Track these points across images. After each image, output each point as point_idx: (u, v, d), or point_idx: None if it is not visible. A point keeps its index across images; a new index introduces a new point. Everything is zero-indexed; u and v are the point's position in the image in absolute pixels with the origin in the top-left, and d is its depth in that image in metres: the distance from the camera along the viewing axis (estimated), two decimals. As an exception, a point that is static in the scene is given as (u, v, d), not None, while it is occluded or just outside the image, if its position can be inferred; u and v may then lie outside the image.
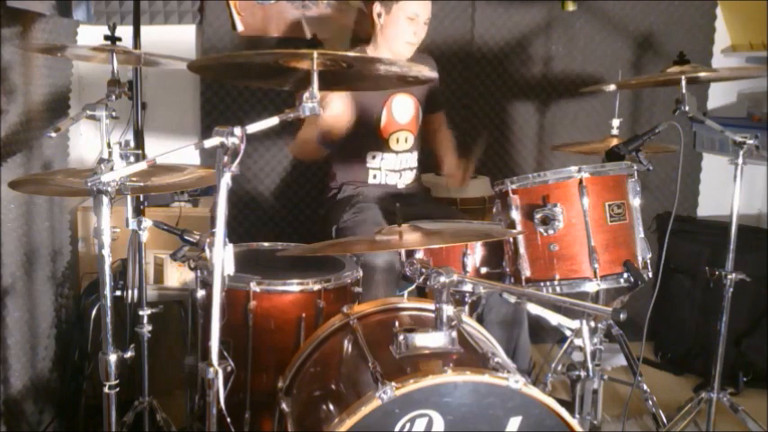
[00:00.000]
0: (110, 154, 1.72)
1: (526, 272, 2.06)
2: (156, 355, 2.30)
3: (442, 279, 1.60)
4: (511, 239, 2.09)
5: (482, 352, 1.63)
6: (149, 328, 2.18)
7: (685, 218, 3.61)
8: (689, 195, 3.73)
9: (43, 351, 2.48)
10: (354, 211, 2.61)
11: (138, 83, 2.20)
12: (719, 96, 3.69)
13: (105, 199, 1.47)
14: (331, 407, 1.59)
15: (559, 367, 2.57)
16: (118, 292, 2.19)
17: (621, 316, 1.49)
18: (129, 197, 1.87)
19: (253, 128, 1.37)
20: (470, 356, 1.62)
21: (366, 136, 2.68)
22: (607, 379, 2.57)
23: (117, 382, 1.58)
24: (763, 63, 3.47)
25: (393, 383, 1.41)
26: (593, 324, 2.20)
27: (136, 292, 2.22)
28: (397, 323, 1.71)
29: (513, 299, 2.30)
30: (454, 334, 1.61)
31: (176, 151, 1.41)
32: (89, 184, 1.44)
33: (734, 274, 2.30)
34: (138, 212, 2.18)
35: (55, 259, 2.61)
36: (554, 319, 2.34)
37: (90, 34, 2.86)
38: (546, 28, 3.42)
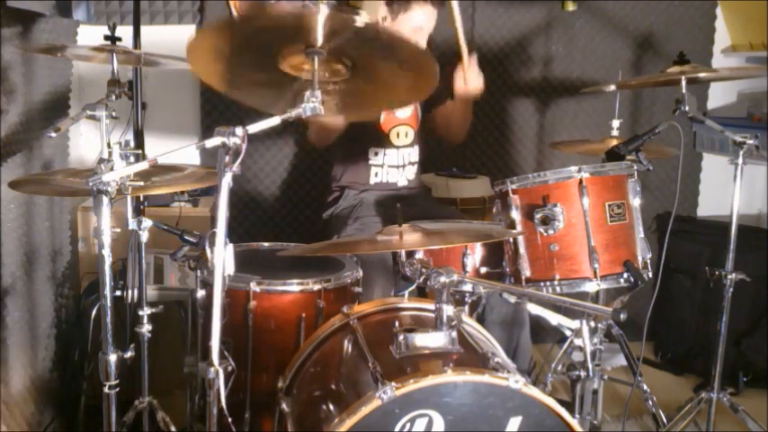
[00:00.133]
0: (110, 154, 1.72)
1: (526, 272, 2.06)
2: (156, 355, 2.29)
3: (442, 279, 1.60)
4: (511, 239, 2.09)
5: (482, 352, 1.63)
6: (149, 328, 2.18)
7: (685, 218, 3.61)
8: (689, 195, 3.73)
9: (43, 351, 2.48)
10: (357, 226, 2.61)
11: (138, 83, 2.20)
12: (719, 96, 3.69)
13: (105, 199, 1.47)
14: (331, 407, 1.59)
15: (559, 367, 2.57)
16: (118, 292, 2.19)
17: (621, 316, 1.49)
18: (129, 197, 1.87)
19: (254, 128, 1.37)
20: (470, 356, 1.62)
21: (367, 132, 2.69)
22: (607, 379, 2.57)
23: (117, 382, 1.58)
24: (763, 63, 3.47)
25: (393, 383, 1.41)
26: (593, 324, 2.20)
27: (136, 292, 2.22)
28: (397, 323, 1.71)
29: (513, 299, 2.30)
30: (454, 334, 1.61)
31: (176, 151, 1.41)
32: (89, 184, 1.44)
33: (734, 274, 2.30)
34: (138, 212, 2.18)
35: (55, 259, 2.61)
36: (554, 319, 2.34)
37: (90, 34, 2.86)
38: (546, 28, 3.42)
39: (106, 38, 2.02)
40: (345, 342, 1.78)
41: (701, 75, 2.36)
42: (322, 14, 1.38)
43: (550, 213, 2.00)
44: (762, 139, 2.33)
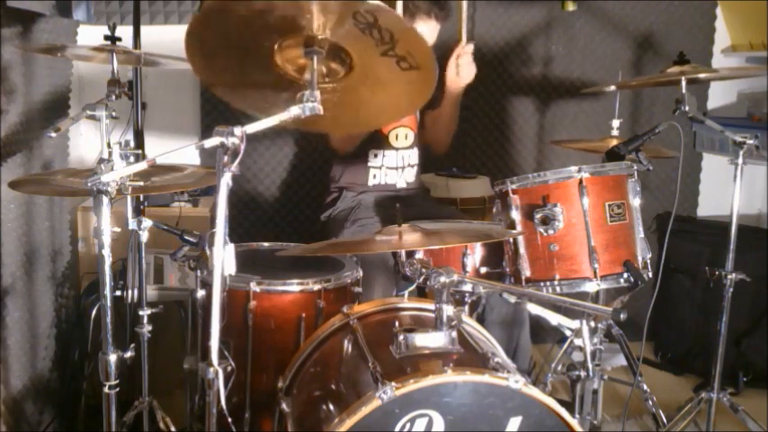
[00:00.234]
0: (110, 154, 1.72)
1: (526, 272, 2.06)
2: (156, 355, 2.29)
3: (442, 279, 1.60)
4: (511, 239, 2.09)
5: (482, 352, 1.63)
6: (149, 328, 2.18)
7: (685, 218, 3.61)
8: (689, 195, 3.73)
9: (43, 351, 2.48)
10: (354, 229, 2.61)
11: (138, 83, 2.20)
12: (719, 96, 3.69)
13: (105, 199, 1.47)
14: (331, 407, 1.59)
15: (559, 367, 2.57)
16: (118, 292, 2.19)
17: (621, 316, 1.49)
18: (129, 197, 1.87)
19: (253, 128, 1.37)
20: (470, 356, 1.62)
21: (366, 134, 2.69)
22: (607, 379, 2.57)
23: (117, 382, 1.58)
24: (763, 63, 3.47)
25: (393, 383, 1.41)
26: (593, 324, 2.19)
27: (136, 292, 2.22)
28: (397, 323, 1.71)
29: (513, 299, 2.30)
30: (454, 334, 1.61)
31: (176, 151, 1.41)
32: (89, 184, 1.44)
33: (734, 274, 2.30)
34: (138, 212, 2.18)
35: (55, 259, 2.61)
36: (554, 319, 2.34)
37: (90, 34, 2.86)
38: (546, 28, 3.42)
39: (106, 38, 2.02)
40: (345, 342, 1.78)
41: (701, 75, 2.36)
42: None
43: (550, 213, 2.00)
44: (762, 139, 2.33)
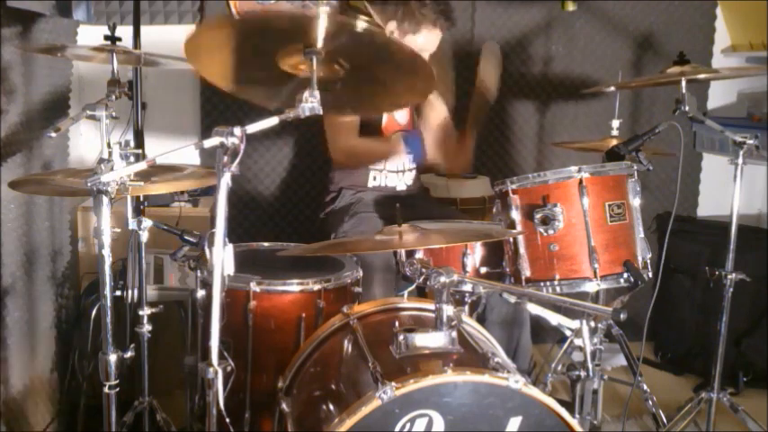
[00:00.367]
0: (110, 154, 1.72)
1: (526, 272, 2.06)
2: (156, 355, 2.30)
3: (442, 279, 1.60)
4: (511, 239, 2.09)
5: (482, 352, 1.63)
6: (149, 328, 2.18)
7: (685, 218, 3.61)
8: (689, 195, 3.73)
9: (43, 351, 2.48)
10: (354, 222, 2.62)
11: (138, 83, 2.20)
12: (719, 96, 3.69)
13: (105, 199, 1.47)
14: (331, 407, 1.59)
15: (559, 367, 2.57)
16: (118, 292, 2.19)
17: (621, 316, 1.49)
18: (129, 197, 1.87)
19: (253, 128, 1.37)
20: (470, 356, 1.62)
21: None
22: (607, 379, 2.57)
23: (117, 382, 1.58)
24: (763, 63, 3.47)
25: (393, 383, 1.41)
26: (593, 324, 2.19)
27: (136, 292, 2.22)
28: (397, 323, 1.71)
29: (513, 299, 2.30)
30: (454, 334, 1.61)
31: (176, 151, 1.41)
32: (89, 184, 1.44)
33: (734, 274, 2.30)
34: (138, 212, 2.18)
35: (55, 259, 2.61)
36: (554, 319, 2.34)
37: (90, 34, 2.86)
38: (546, 28, 3.42)
39: (106, 38, 2.02)
40: (345, 342, 1.78)
41: (701, 75, 2.36)
42: (322, 17, 1.38)
43: (550, 213, 2.00)
44: (762, 139, 2.33)
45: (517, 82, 3.45)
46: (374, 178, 2.75)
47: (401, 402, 1.42)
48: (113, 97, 1.97)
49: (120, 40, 2.03)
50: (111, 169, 1.47)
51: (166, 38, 3.11)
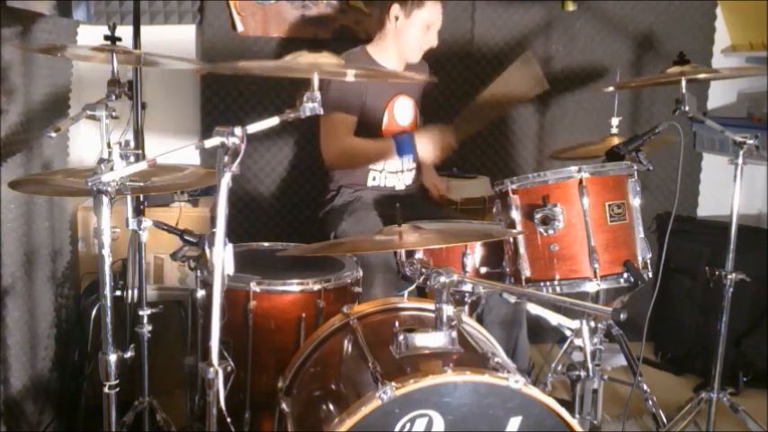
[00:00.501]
0: (110, 154, 1.72)
1: (526, 272, 2.06)
2: (156, 355, 2.30)
3: (442, 279, 1.60)
4: (511, 239, 2.09)
5: (482, 352, 1.63)
6: (149, 328, 2.18)
7: (685, 218, 3.61)
8: (689, 195, 3.73)
9: (43, 351, 2.48)
10: (353, 220, 2.62)
11: (138, 83, 2.19)
12: (719, 96, 3.69)
13: (105, 199, 1.47)
14: (331, 407, 1.59)
15: (559, 367, 2.57)
16: (118, 292, 2.19)
17: (621, 316, 1.49)
18: (129, 197, 1.87)
19: (253, 128, 1.38)
20: (470, 356, 1.62)
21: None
22: (607, 379, 2.57)
23: (117, 382, 1.58)
24: (763, 63, 3.47)
25: (393, 383, 1.42)
26: (593, 324, 2.20)
27: (136, 292, 2.22)
28: (397, 323, 1.71)
29: (513, 299, 2.30)
30: (454, 334, 1.61)
31: (176, 151, 1.41)
32: (89, 184, 1.44)
33: (734, 274, 2.30)
34: (138, 212, 2.17)
35: (55, 259, 2.60)
36: (554, 319, 2.34)
37: (90, 34, 2.86)
38: (546, 28, 3.42)
39: (106, 38, 2.02)
40: (345, 342, 1.78)
41: (701, 75, 2.36)
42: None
43: (550, 213, 2.00)
44: (762, 139, 2.33)
45: (517, 82, 3.45)
46: (374, 178, 2.75)
47: (401, 402, 1.42)
48: (113, 97, 1.97)
49: (120, 40, 2.03)
50: (111, 169, 1.47)
51: (166, 38, 3.14)
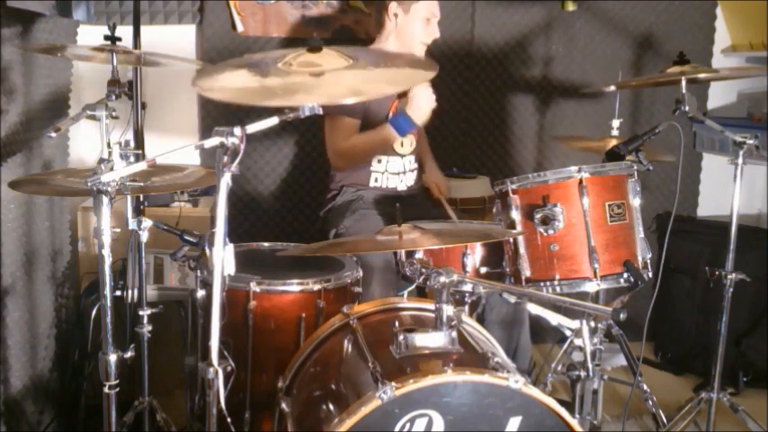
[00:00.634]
0: (110, 154, 1.72)
1: (526, 272, 2.06)
2: (156, 355, 2.29)
3: (442, 279, 1.60)
4: (511, 239, 2.09)
5: (482, 352, 1.63)
6: (149, 328, 2.18)
7: (685, 218, 3.61)
8: (689, 195, 3.73)
9: (43, 351, 2.48)
10: (355, 217, 2.62)
11: (138, 83, 2.20)
12: (719, 96, 3.69)
13: (105, 199, 1.47)
14: (331, 407, 1.59)
15: (559, 367, 2.57)
16: (118, 292, 2.19)
17: (621, 316, 1.49)
18: (128, 197, 1.87)
19: (253, 128, 1.37)
20: (470, 356, 1.62)
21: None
22: (607, 379, 2.57)
23: (117, 382, 1.58)
24: (763, 63, 3.47)
25: (393, 383, 1.42)
26: (593, 324, 2.19)
27: (136, 292, 2.22)
28: (397, 323, 1.71)
29: (513, 299, 2.30)
30: (454, 334, 1.61)
31: (176, 151, 1.41)
32: (89, 184, 1.44)
33: (734, 274, 2.30)
34: (138, 212, 2.18)
35: (55, 259, 2.60)
36: (554, 319, 2.34)
37: (90, 34, 2.86)
38: (546, 28, 3.42)
39: (106, 38, 2.02)
40: (345, 342, 1.78)
41: (701, 75, 2.36)
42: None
43: (550, 213, 2.00)
44: (762, 139, 2.33)
45: (517, 82, 3.45)
46: (375, 179, 2.76)
47: (401, 402, 1.42)
48: (113, 97, 1.97)
49: (120, 40, 2.03)
50: (111, 169, 1.47)
51: (166, 38, 3.14)
